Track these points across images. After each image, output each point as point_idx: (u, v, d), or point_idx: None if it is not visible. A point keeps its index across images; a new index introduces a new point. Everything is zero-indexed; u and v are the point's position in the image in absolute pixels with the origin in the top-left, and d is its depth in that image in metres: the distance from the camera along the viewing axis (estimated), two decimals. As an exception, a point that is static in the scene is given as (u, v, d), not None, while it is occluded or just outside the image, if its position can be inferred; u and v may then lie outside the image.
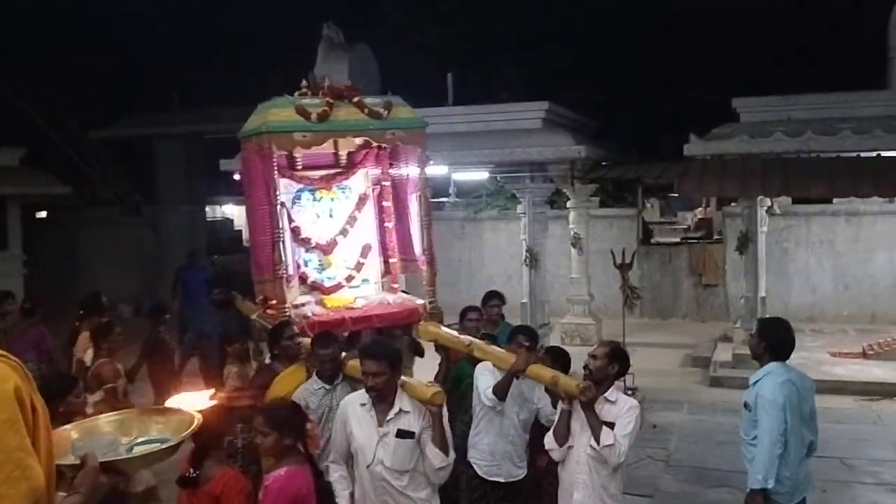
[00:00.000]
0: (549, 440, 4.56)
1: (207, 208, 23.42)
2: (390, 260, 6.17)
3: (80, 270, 18.00)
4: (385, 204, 6.14)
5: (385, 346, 4.62)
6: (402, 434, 4.11)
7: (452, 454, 4.25)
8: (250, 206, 5.89)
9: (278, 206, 5.58)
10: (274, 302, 5.62)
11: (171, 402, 4.40)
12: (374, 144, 5.91)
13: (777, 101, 10.79)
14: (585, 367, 4.54)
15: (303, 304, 5.84)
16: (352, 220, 6.15)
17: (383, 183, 6.06)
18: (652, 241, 16.62)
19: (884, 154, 9.92)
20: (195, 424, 2.21)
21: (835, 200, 14.40)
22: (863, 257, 14.40)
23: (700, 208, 21.48)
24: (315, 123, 5.40)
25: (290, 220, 5.98)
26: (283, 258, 5.57)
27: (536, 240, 11.10)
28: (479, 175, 11.39)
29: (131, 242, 18.32)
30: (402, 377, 4.33)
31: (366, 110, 5.51)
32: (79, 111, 18.07)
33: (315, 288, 6.07)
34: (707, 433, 8.82)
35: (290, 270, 5.76)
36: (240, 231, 41.92)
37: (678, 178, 10.24)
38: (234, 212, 44.23)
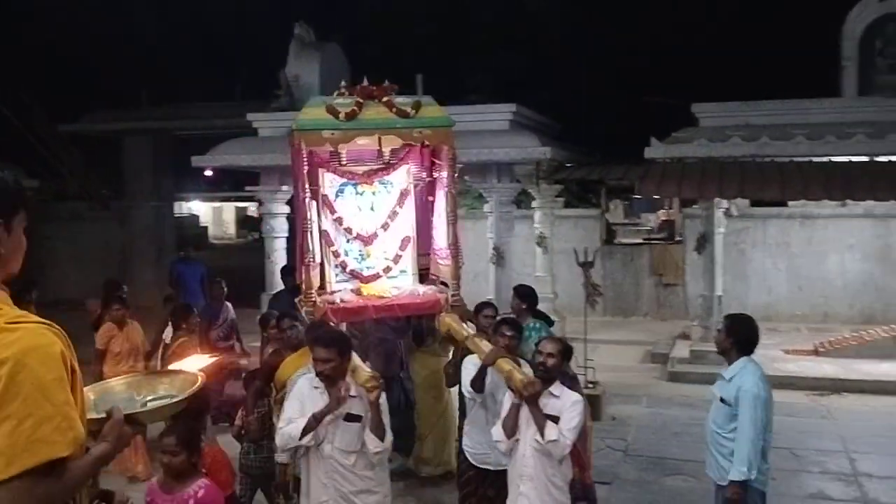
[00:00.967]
0: (497, 433, 4.72)
1: (174, 204, 23.34)
2: (438, 254, 6.39)
3: (46, 265, 17.92)
4: (429, 199, 6.37)
5: (334, 333, 4.90)
6: (349, 418, 4.43)
7: (389, 439, 4.55)
8: (294, 198, 6.26)
9: (308, 199, 5.86)
10: (304, 287, 5.91)
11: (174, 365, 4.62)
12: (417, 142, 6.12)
13: (735, 106, 11.18)
14: (541, 364, 4.69)
15: (338, 291, 6.09)
16: (393, 214, 6.34)
17: (425, 179, 6.27)
18: (615, 241, 17.00)
19: (835, 159, 10.36)
20: (199, 383, 2.43)
21: (790, 203, 14.88)
22: (816, 259, 14.89)
23: (663, 210, 21.93)
24: (343, 122, 5.61)
25: (333, 212, 6.23)
26: (311, 247, 5.85)
27: (503, 239, 11.36)
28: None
29: (98, 238, 18.30)
30: (354, 362, 4.65)
31: (394, 109, 5.69)
32: (47, 105, 18.02)
33: (354, 276, 6.30)
34: (664, 425, 9.16)
35: (318, 258, 6.04)
36: (205, 228, 42.06)
37: (639, 180, 10.59)
38: (200, 208, 44.37)
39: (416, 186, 6.40)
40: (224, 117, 16.51)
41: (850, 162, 10.27)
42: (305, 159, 5.77)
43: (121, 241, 18.27)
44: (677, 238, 16.90)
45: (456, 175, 5.99)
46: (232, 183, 41.69)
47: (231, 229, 46.44)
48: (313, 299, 5.80)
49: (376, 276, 6.31)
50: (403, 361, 7.34)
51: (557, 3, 16.64)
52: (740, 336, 4.86)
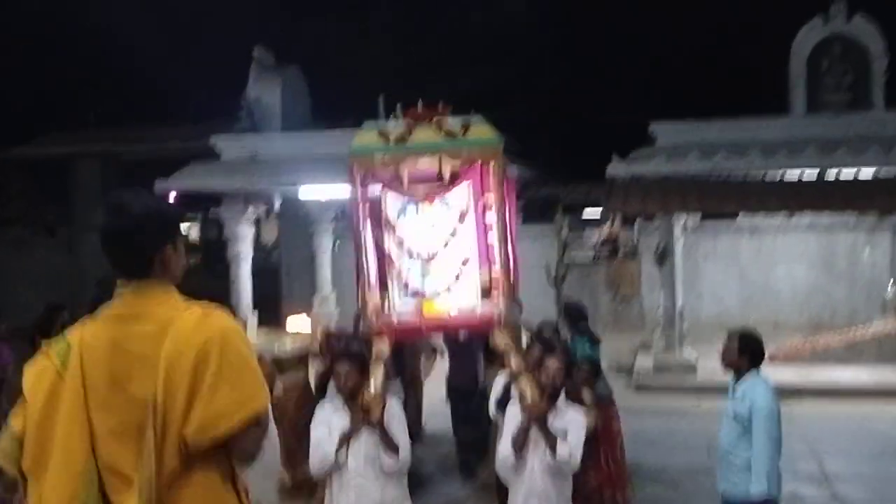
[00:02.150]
0: (505, 449, 4.78)
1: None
2: (493, 270, 6.35)
3: (-11, 292, 17.46)
4: (488, 219, 6.36)
5: (354, 349, 5.00)
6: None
7: (404, 455, 4.66)
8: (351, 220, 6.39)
9: (363, 220, 5.98)
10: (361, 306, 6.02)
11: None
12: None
13: (691, 125, 11.60)
14: (550, 382, 4.77)
15: (398, 310, 6.19)
16: (453, 232, 6.37)
17: (487, 194, 6.25)
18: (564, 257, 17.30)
19: (787, 174, 10.82)
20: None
21: (739, 217, 15.43)
22: (765, 270, 15.42)
23: (606, 225, 22.43)
24: (393, 145, 5.70)
25: (395, 232, 6.32)
26: (367, 267, 5.96)
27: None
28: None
29: (45, 264, 17.86)
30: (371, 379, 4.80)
31: (442, 131, 5.73)
32: (-10, 129, 17.59)
33: (416, 294, 6.36)
34: (636, 435, 9.35)
35: (373, 278, 6.13)
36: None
37: (605, 197, 10.89)
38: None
39: (476, 205, 6.44)
40: (179, 139, 16.39)
41: (800, 182, 10.75)
42: (360, 182, 5.88)
43: (69, 269, 17.86)
44: (622, 252, 17.34)
45: (504, 193, 6.01)
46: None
47: (172, 253, 45.58)
48: (370, 318, 5.88)
49: (437, 295, 6.38)
50: (480, 376, 7.48)
51: (517, 24, 16.99)
52: (754, 350, 4.97)
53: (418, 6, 17.19)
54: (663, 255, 11.85)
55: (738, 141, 11.10)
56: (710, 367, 12.67)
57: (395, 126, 5.77)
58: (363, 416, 4.55)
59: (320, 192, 12.57)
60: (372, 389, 4.78)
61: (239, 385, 2.29)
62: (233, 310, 12.10)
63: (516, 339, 5.70)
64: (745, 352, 4.97)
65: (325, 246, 14.19)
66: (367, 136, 5.83)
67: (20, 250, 17.83)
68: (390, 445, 4.60)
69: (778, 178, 10.86)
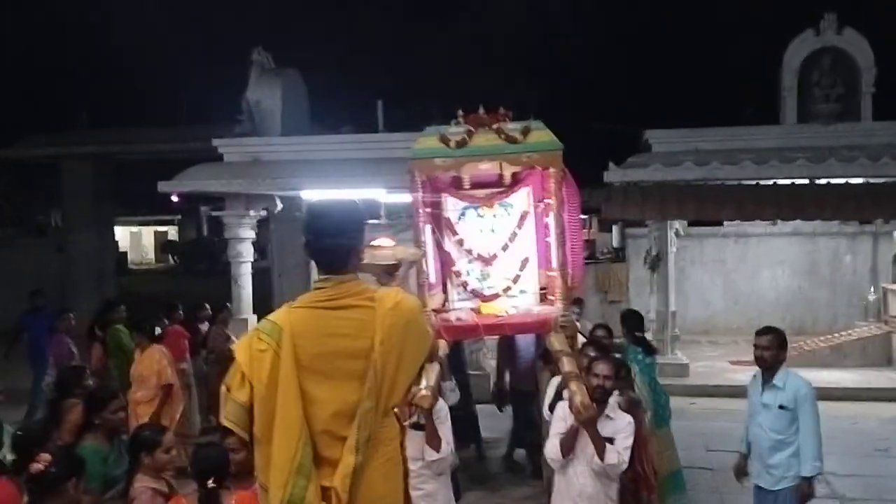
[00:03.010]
0: (552, 450, 4.89)
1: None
2: (549, 273, 6.50)
3: (-22, 293, 17.34)
4: (546, 221, 6.44)
5: None
6: (415, 426, 4.65)
7: (446, 449, 4.83)
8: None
9: (423, 223, 6.09)
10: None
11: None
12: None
13: (685, 133, 11.88)
14: (599, 386, 4.82)
15: (457, 310, 6.29)
16: (513, 235, 6.52)
17: (545, 201, 6.32)
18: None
19: (779, 182, 11.14)
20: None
21: (725, 223, 15.80)
22: (750, 275, 15.82)
23: (584, 230, 22.85)
24: (453, 150, 5.77)
25: (455, 234, 6.48)
26: (427, 269, 6.05)
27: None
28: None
29: (34, 265, 17.76)
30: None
31: (503, 136, 5.77)
32: (-21, 129, 17.48)
33: (475, 296, 6.50)
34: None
35: (433, 279, 6.24)
36: (124, 253, 40.98)
37: (603, 203, 11.14)
38: (117, 233, 43.22)
39: (536, 208, 6.55)
40: (171, 141, 16.40)
41: (794, 188, 11.07)
42: (420, 185, 5.99)
43: (58, 269, 17.79)
44: (599, 256, 17.71)
45: (563, 197, 6.01)
46: (149, 206, 40.90)
47: (150, 254, 45.33)
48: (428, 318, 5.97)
49: (496, 296, 6.51)
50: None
51: (513, 33, 17.24)
52: (785, 345, 5.39)
53: (416, 14, 17.41)
54: (656, 261, 12.13)
55: (730, 149, 11.38)
56: (700, 368, 13.11)
57: (455, 131, 5.83)
58: (410, 413, 4.61)
59: (319, 196, 12.69)
60: (423, 387, 4.81)
61: (421, 347, 2.91)
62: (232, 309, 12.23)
63: (572, 342, 5.73)
64: (783, 346, 5.35)
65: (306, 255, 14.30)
66: (428, 141, 5.92)
67: (10, 250, 17.74)
68: (434, 437, 4.74)
69: (770, 185, 11.17)
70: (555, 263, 6.14)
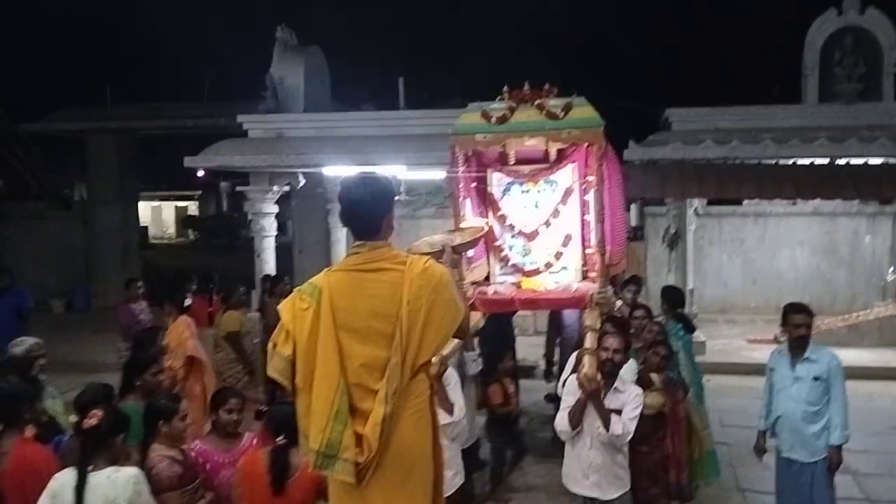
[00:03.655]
0: (561, 423, 5.04)
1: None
2: (588, 251, 6.52)
3: (5, 265, 17.65)
4: (586, 198, 6.47)
5: None
6: None
7: (458, 413, 5.00)
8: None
9: (462, 198, 6.19)
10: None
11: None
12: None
13: (706, 112, 11.91)
14: (608, 360, 4.96)
15: (497, 284, 6.42)
16: (556, 212, 6.56)
17: (588, 178, 6.30)
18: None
19: (799, 161, 11.16)
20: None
21: (744, 202, 15.81)
22: (768, 254, 15.83)
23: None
24: (494, 126, 5.83)
25: (498, 210, 6.58)
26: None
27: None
28: (437, 175, 12.04)
29: (60, 238, 18.09)
30: None
31: (544, 112, 5.78)
32: (8, 105, 17.71)
33: (517, 270, 6.59)
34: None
35: (471, 252, 6.30)
36: (145, 228, 41.44)
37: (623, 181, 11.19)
38: (140, 209, 43.69)
39: (581, 185, 6.52)
40: (195, 117, 16.59)
41: (813, 168, 11.10)
42: (460, 160, 6.07)
43: (84, 242, 18.10)
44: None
45: (605, 173, 5.99)
46: (170, 181, 41.25)
47: (171, 229, 45.77)
48: (463, 291, 5.92)
49: (537, 271, 6.57)
50: None
51: (533, 11, 17.24)
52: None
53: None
54: (675, 239, 12.20)
55: (751, 128, 11.40)
56: (717, 346, 13.21)
57: (497, 107, 5.85)
58: None
59: (341, 172, 12.85)
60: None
61: (450, 315, 3.10)
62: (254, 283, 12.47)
63: (606, 318, 5.68)
64: (812, 323, 5.55)
65: (341, 223, 14.47)
66: (470, 117, 5.96)
67: (36, 224, 18.03)
68: (444, 402, 4.88)
69: (790, 165, 11.20)
70: (594, 240, 6.14)
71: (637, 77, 16.74)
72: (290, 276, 14.82)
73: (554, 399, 9.30)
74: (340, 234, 14.56)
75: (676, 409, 5.67)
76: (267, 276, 11.27)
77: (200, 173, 22.17)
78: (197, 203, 47.77)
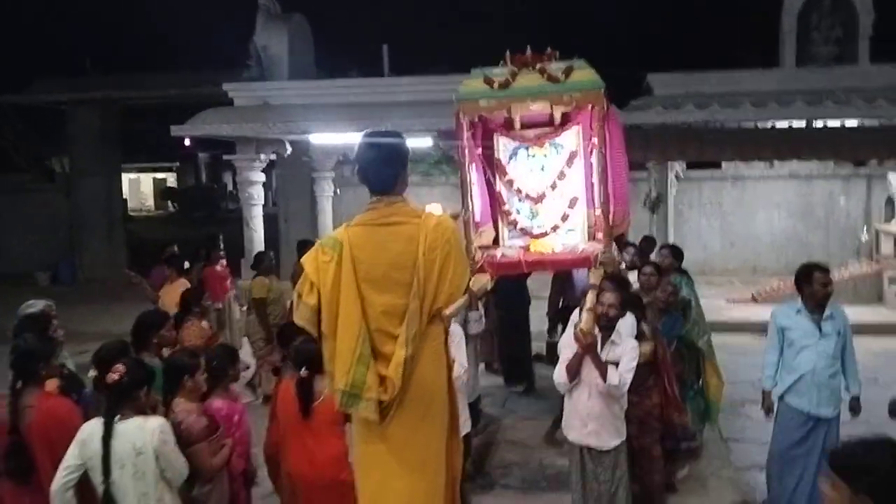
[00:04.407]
0: (559, 375, 5.20)
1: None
2: (595, 212, 6.59)
3: (-11, 237, 17.69)
4: (591, 160, 6.51)
5: None
6: None
7: (458, 369, 4.97)
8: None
9: (468, 162, 6.20)
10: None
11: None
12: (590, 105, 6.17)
13: (686, 77, 12.07)
14: (604, 314, 5.10)
15: (506, 247, 6.56)
16: (561, 175, 6.65)
17: (593, 140, 6.29)
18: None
19: (777, 124, 11.42)
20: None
21: (723, 166, 16.12)
22: (746, 218, 16.20)
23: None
24: (497, 91, 5.89)
25: (505, 174, 6.68)
26: (470, 205, 6.21)
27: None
28: (423, 142, 12.17)
29: (44, 210, 18.08)
30: None
31: (545, 76, 5.83)
32: (-13, 75, 17.55)
33: (525, 233, 6.71)
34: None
35: (479, 217, 6.41)
36: (124, 200, 41.14)
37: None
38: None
39: (585, 148, 6.58)
40: (178, 86, 16.56)
41: (791, 131, 11.37)
42: (465, 126, 6.12)
43: (68, 215, 18.08)
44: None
45: (607, 135, 6.00)
46: (148, 152, 40.88)
47: (149, 201, 45.50)
48: (471, 254, 6.04)
49: (544, 234, 6.69)
50: None
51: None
52: None
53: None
54: (657, 203, 12.45)
55: (730, 92, 11.58)
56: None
57: (499, 72, 5.92)
58: None
59: (328, 139, 12.95)
60: None
61: (462, 265, 3.40)
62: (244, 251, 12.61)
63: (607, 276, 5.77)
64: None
65: (327, 192, 14.58)
66: (473, 83, 6.02)
67: (20, 197, 17.99)
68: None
69: (769, 128, 11.45)
70: (597, 201, 6.24)
71: (617, 43, 16.86)
72: (275, 245, 15.00)
73: (541, 358, 9.62)
74: (326, 204, 14.67)
75: (666, 355, 5.90)
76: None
77: (187, 142, 22.04)
78: (175, 175, 47.45)
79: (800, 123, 11.35)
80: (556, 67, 5.85)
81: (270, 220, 15.70)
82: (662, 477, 6.02)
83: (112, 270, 17.78)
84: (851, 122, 11.30)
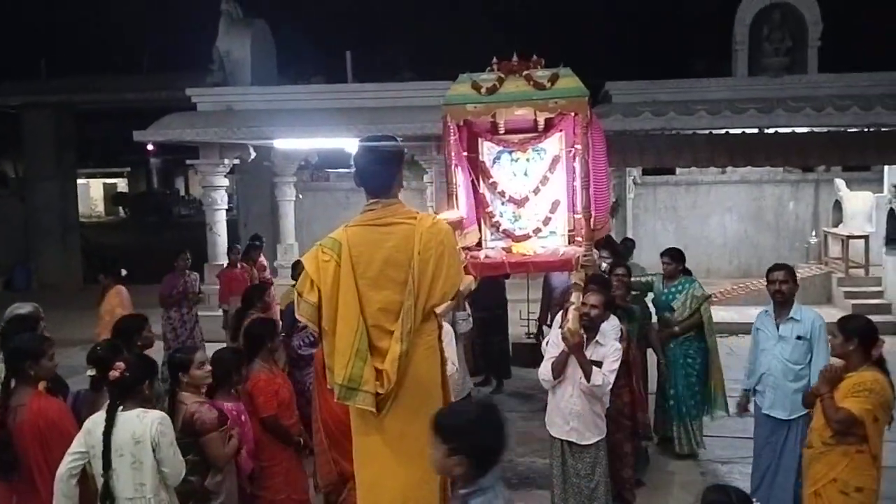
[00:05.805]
0: (544, 372, 5.37)
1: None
2: (575, 216, 6.75)
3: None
4: (573, 165, 6.63)
5: None
6: None
7: (450, 368, 5.23)
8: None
9: (454, 165, 6.31)
10: None
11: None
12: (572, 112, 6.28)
13: (644, 85, 12.41)
14: (585, 315, 5.28)
15: (488, 249, 6.71)
16: (544, 179, 6.81)
17: (575, 146, 6.46)
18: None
19: (731, 131, 11.81)
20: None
21: (677, 171, 16.54)
22: (700, 221, 16.64)
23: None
24: (484, 96, 6.00)
25: (489, 178, 6.81)
26: (456, 207, 6.29)
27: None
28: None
29: (-2, 214, 17.78)
30: None
31: (531, 82, 5.94)
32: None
33: (507, 236, 6.84)
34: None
35: (465, 215, 6.44)
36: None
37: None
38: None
39: (567, 153, 6.73)
40: (134, 90, 16.44)
41: (744, 137, 11.76)
42: (452, 130, 6.25)
43: (22, 220, 17.79)
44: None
45: (590, 141, 6.16)
46: (98, 157, 40.24)
47: (100, 206, 44.75)
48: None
49: (526, 237, 6.85)
50: None
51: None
52: (797, 282, 5.78)
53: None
54: (616, 207, 12.77)
55: (686, 100, 11.92)
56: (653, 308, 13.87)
57: (487, 78, 6.05)
58: None
59: (292, 145, 13.02)
60: None
61: (456, 265, 3.55)
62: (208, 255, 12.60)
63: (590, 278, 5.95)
64: (796, 280, 5.73)
65: (288, 196, 14.62)
66: (460, 87, 6.14)
67: (-27, 200, 17.66)
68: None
69: (723, 134, 11.83)
70: (579, 206, 6.38)
71: (577, 52, 17.17)
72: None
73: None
74: (288, 208, 14.72)
75: (636, 358, 6.13)
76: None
77: (150, 147, 21.79)
78: (126, 180, 46.77)
79: (752, 130, 11.73)
80: (541, 75, 5.99)
81: (231, 225, 15.68)
82: (633, 472, 6.24)
83: (67, 276, 17.56)
84: (801, 129, 11.71)
